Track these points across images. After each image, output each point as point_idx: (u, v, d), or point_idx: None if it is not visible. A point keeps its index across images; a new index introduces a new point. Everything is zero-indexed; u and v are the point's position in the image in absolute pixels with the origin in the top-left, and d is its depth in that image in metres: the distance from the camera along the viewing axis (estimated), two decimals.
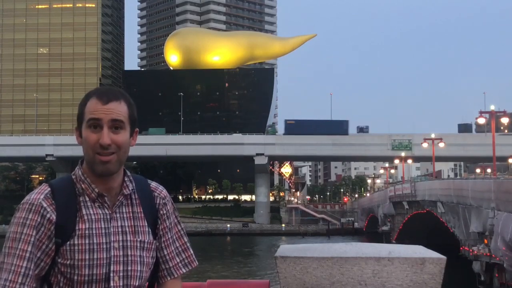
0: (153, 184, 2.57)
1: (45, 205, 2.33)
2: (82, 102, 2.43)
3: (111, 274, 2.33)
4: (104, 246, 2.35)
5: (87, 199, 2.40)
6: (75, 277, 2.31)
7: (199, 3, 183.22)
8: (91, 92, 2.44)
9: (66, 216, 2.34)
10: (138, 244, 2.42)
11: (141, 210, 2.48)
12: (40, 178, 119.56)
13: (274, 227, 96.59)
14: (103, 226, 2.38)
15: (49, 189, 2.38)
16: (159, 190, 2.56)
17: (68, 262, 2.31)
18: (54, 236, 2.32)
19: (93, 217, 2.37)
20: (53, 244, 2.32)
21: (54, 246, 2.32)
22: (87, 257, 2.32)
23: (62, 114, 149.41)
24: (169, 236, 2.53)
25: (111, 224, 2.40)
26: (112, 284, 2.33)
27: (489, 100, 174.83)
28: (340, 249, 2.67)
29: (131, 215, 2.46)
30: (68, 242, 2.32)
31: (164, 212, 2.53)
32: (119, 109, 2.39)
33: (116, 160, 2.39)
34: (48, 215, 2.32)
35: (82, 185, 2.41)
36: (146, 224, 2.47)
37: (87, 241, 2.33)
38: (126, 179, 2.48)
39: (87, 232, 2.35)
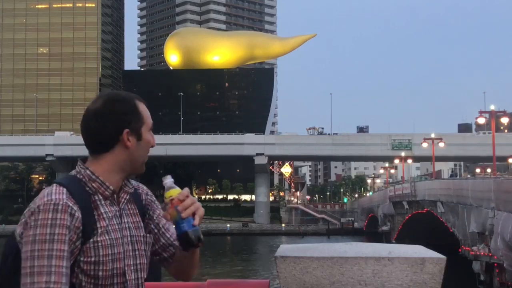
0: (134, 182, 2.64)
1: (70, 204, 2.31)
2: (130, 105, 2.45)
3: (126, 268, 2.41)
4: (120, 241, 2.41)
5: (100, 197, 2.43)
6: (100, 273, 2.34)
7: (199, 3, 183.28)
8: (132, 96, 2.49)
9: (86, 214, 2.37)
10: (142, 239, 2.51)
11: (136, 207, 2.56)
12: (40, 178, 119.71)
13: (274, 227, 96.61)
14: (116, 222, 2.44)
15: (65, 189, 2.36)
16: (141, 186, 2.65)
17: (92, 259, 2.33)
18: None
19: (109, 214, 2.43)
20: (80, 243, 2.32)
21: (80, 245, 2.33)
22: (110, 252, 2.36)
23: (62, 114, 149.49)
24: (165, 222, 2.62)
25: (122, 220, 2.47)
26: (127, 277, 2.41)
27: (489, 100, 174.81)
28: (340, 249, 2.67)
29: (131, 211, 2.54)
30: (91, 240, 2.34)
31: (152, 204, 2.64)
32: None
33: None
34: (76, 214, 2.31)
35: (93, 184, 2.43)
36: (140, 219, 2.56)
37: (108, 237, 2.37)
38: None
39: (108, 228, 2.40)
